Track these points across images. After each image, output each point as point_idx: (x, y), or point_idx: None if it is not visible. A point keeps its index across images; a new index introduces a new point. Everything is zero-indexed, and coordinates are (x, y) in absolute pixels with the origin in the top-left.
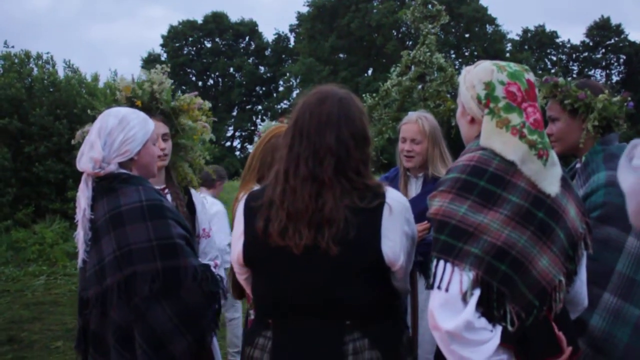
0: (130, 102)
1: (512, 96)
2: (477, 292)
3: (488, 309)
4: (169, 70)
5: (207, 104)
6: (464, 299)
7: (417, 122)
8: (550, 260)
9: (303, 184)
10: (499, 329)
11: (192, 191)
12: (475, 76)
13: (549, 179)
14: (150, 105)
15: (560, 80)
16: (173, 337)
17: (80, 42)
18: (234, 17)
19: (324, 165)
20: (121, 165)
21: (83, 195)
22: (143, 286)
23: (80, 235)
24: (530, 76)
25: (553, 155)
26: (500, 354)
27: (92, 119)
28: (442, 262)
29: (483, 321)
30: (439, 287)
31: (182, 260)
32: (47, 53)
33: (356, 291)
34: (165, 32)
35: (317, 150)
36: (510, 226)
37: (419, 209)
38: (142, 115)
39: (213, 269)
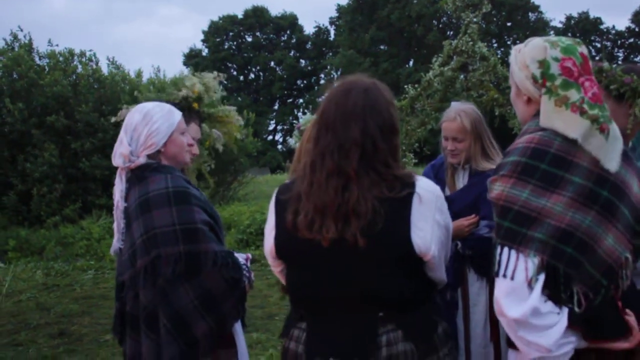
0: (186, 102)
1: (568, 72)
2: (542, 277)
3: (555, 292)
4: (223, 80)
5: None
6: (530, 285)
7: (456, 119)
8: (616, 238)
9: (329, 177)
10: (565, 311)
11: None
12: (527, 55)
13: (611, 154)
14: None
15: (605, 65)
16: (194, 319)
17: (100, 42)
18: (274, 11)
19: (349, 158)
20: (150, 157)
21: (117, 188)
22: (167, 268)
23: (114, 225)
24: (583, 49)
25: (615, 129)
26: (568, 336)
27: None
28: (506, 249)
29: (549, 305)
30: (504, 275)
31: (202, 245)
32: (90, 50)
33: (388, 282)
34: (195, 29)
35: (342, 143)
36: (574, 207)
37: (465, 202)
38: (166, 107)
39: (243, 260)
